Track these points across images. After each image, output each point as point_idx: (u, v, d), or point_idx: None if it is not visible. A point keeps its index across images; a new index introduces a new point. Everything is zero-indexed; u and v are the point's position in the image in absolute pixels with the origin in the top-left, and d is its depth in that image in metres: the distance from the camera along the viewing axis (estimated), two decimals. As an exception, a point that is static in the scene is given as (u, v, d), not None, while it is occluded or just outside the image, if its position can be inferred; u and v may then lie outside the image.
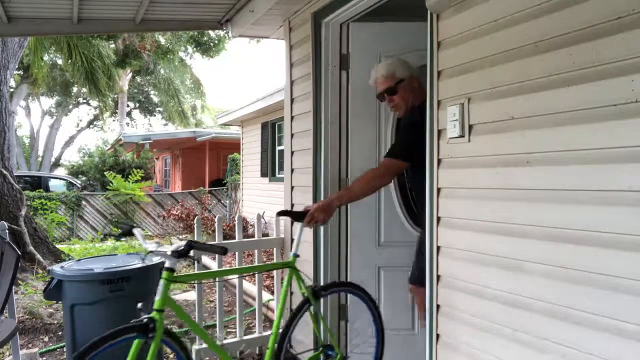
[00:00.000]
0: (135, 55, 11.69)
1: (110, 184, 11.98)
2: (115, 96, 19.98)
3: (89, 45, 10.95)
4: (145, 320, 1.84)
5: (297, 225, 2.50)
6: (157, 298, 1.91)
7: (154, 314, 1.87)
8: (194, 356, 3.21)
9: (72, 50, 10.22)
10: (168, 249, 2.05)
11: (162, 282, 1.94)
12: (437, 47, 2.06)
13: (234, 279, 3.15)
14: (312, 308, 2.43)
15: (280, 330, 2.31)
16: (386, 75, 2.53)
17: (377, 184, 2.49)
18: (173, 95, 18.97)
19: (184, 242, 2.01)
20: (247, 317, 4.27)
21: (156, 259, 2.98)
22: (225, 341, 3.38)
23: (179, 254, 1.97)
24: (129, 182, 12.16)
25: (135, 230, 2.22)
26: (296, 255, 2.47)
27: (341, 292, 2.83)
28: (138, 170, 12.72)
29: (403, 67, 2.53)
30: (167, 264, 1.98)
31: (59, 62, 10.80)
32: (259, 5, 3.23)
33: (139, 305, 1.89)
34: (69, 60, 10.55)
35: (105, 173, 12.83)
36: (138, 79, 22.96)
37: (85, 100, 20.51)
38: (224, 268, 2.20)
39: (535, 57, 1.62)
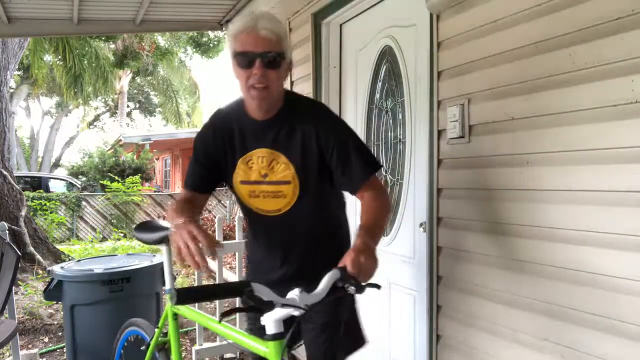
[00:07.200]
0: (134, 56, 11.66)
1: (109, 187, 11.96)
2: (116, 97, 19.96)
3: (86, 45, 10.89)
4: None
5: None
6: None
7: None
8: (194, 356, 3.21)
9: (66, 52, 10.11)
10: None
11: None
12: (437, 48, 2.06)
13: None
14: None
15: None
16: (276, 32, 1.48)
17: None
18: (170, 96, 18.94)
19: None
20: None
21: (156, 260, 2.98)
22: (225, 342, 3.38)
23: None
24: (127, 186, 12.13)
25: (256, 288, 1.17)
26: None
27: None
28: (134, 177, 12.63)
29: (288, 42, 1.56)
30: None
31: (59, 63, 10.70)
32: (259, 6, 3.23)
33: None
34: (64, 63, 10.45)
35: (105, 181, 12.74)
36: (138, 79, 22.93)
37: (85, 101, 20.51)
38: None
39: (535, 57, 1.62)
